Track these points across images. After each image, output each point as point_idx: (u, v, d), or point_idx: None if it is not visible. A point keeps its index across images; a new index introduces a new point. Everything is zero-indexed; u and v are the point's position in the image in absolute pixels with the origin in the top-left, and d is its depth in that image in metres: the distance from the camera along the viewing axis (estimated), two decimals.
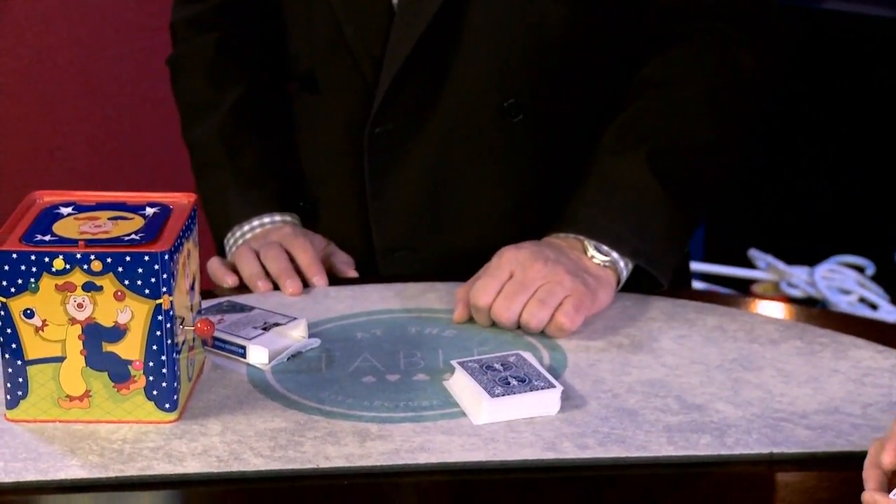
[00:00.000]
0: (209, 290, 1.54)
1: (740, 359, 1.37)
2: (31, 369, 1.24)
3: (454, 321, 1.44)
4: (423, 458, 1.20)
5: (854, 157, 3.14)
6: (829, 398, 1.29)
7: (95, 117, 3.22)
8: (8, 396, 1.25)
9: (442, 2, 1.51)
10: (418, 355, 1.38)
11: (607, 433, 1.23)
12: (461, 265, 1.52)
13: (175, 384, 1.24)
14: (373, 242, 1.64)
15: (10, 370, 1.24)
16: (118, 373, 1.24)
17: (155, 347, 1.23)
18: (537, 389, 1.27)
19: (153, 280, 1.20)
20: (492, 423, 1.25)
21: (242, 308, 1.44)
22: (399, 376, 1.34)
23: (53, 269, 1.20)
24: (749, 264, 3.24)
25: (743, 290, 3.16)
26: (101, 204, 1.30)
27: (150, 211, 1.28)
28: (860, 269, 3.18)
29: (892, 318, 3.07)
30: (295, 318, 1.41)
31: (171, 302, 1.22)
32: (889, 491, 1.06)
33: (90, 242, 1.22)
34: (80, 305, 1.22)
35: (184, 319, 1.26)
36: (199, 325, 1.27)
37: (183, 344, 1.26)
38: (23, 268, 1.21)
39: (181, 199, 1.31)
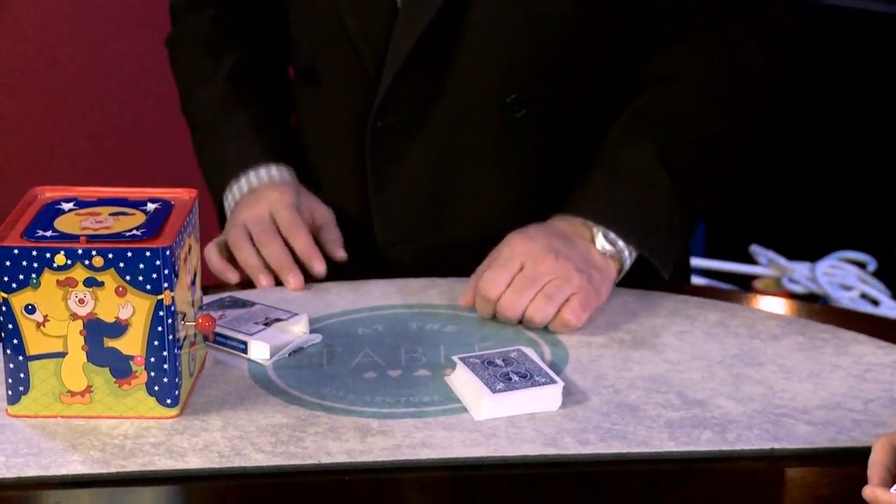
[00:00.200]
0: (210, 285, 1.54)
1: (742, 354, 1.37)
2: (32, 365, 1.24)
3: (461, 304, 1.45)
4: (424, 454, 1.20)
5: (855, 153, 3.14)
6: (830, 394, 1.29)
7: (97, 113, 3.22)
8: (9, 392, 1.25)
9: None
10: (420, 351, 1.38)
11: (608, 429, 1.23)
12: (463, 259, 1.52)
13: (176, 380, 1.24)
14: (374, 235, 1.64)
15: (11, 365, 1.24)
16: (119, 368, 1.24)
17: (156, 343, 1.23)
18: (538, 385, 1.27)
19: (154, 276, 1.20)
20: (493, 418, 1.25)
21: (244, 303, 1.44)
22: (400, 372, 1.34)
23: (55, 265, 1.21)
24: (750, 260, 3.24)
25: (744, 285, 3.16)
26: (102, 199, 1.30)
27: (151, 206, 1.28)
28: (862, 265, 3.18)
29: (894, 313, 3.07)
30: (296, 314, 1.41)
31: (173, 297, 1.22)
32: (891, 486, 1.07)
33: (91, 238, 1.22)
34: (81, 301, 1.22)
35: (185, 315, 1.26)
36: (200, 320, 1.27)
37: (184, 339, 1.26)
38: (24, 263, 1.21)
39: (182, 195, 1.31)
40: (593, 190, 1.51)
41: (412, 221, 1.62)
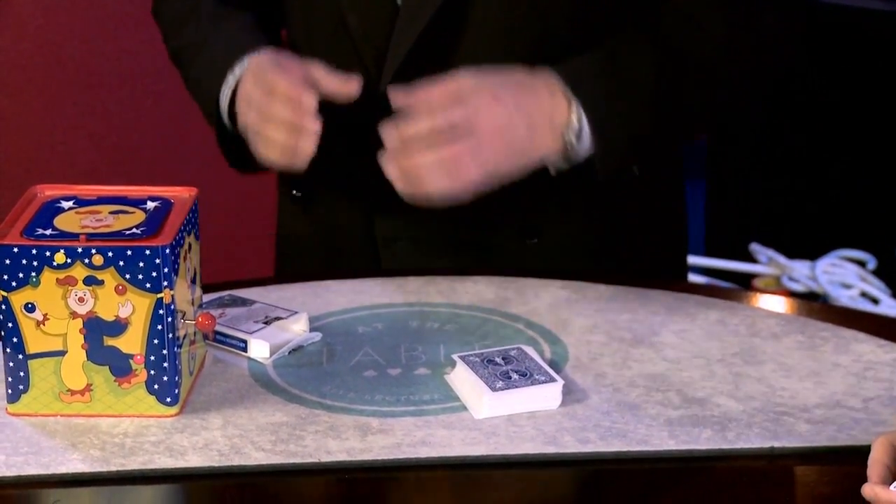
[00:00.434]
0: (210, 283, 1.53)
1: (741, 353, 1.37)
2: (32, 363, 1.24)
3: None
4: (424, 452, 1.20)
5: (855, 151, 3.14)
6: (830, 392, 1.29)
7: (96, 112, 3.22)
8: (9, 390, 1.25)
9: None
10: (419, 349, 1.38)
11: (608, 427, 1.23)
12: (462, 255, 1.52)
13: (176, 378, 1.24)
14: (373, 232, 1.64)
15: (11, 364, 1.24)
16: (119, 367, 1.24)
17: (156, 341, 1.23)
18: (538, 383, 1.27)
19: (154, 274, 1.20)
20: (493, 417, 1.25)
21: (244, 302, 1.44)
22: (400, 370, 1.34)
23: (54, 263, 1.21)
24: (750, 258, 3.24)
25: (744, 284, 3.16)
26: (102, 198, 1.30)
27: (151, 205, 1.28)
28: (861, 264, 3.18)
29: (894, 312, 3.07)
30: (296, 312, 1.41)
31: (173, 296, 1.22)
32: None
33: (91, 236, 1.22)
34: (81, 299, 1.22)
35: (185, 313, 1.26)
36: (200, 319, 1.27)
37: (184, 338, 1.26)
38: (24, 262, 1.21)
39: (182, 193, 1.31)
40: (579, 61, 1.50)
41: (413, 218, 1.62)
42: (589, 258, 1.63)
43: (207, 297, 1.43)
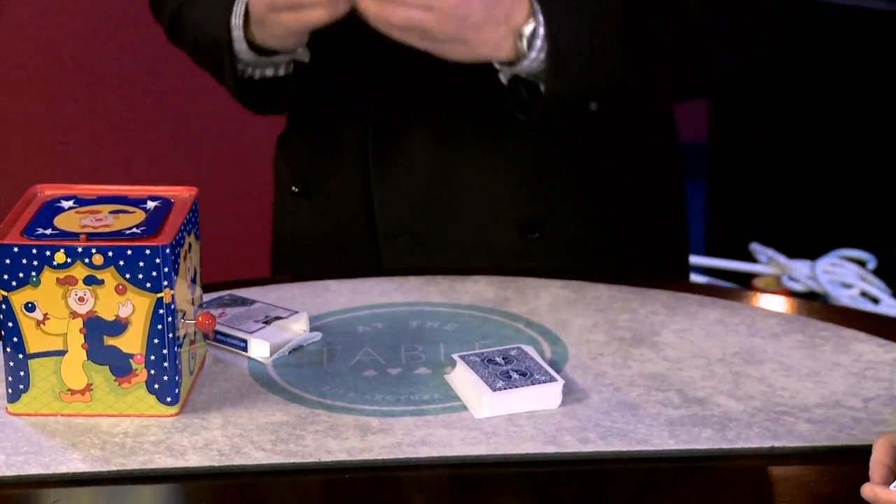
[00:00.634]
0: (210, 283, 1.53)
1: (742, 352, 1.37)
2: (32, 363, 1.24)
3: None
4: (424, 452, 1.20)
5: (855, 151, 3.14)
6: (830, 392, 1.29)
7: (97, 111, 3.22)
8: (9, 390, 1.25)
9: None
10: (420, 349, 1.38)
11: (608, 427, 1.23)
12: (463, 252, 1.52)
13: (176, 378, 1.24)
14: (374, 227, 1.64)
15: (11, 364, 1.24)
16: (119, 366, 1.24)
17: (156, 341, 1.23)
18: (538, 383, 1.27)
19: (154, 274, 1.20)
20: (493, 416, 1.25)
21: (244, 301, 1.44)
22: (400, 370, 1.34)
23: (55, 263, 1.21)
24: (750, 258, 3.24)
25: (744, 283, 3.16)
26: (102, 197, 1.30)
27: (151, 204, 1.28)
28: (862, 263, 3.18)
29: (894, 311, 3.07)
30: (296, 312, 1.41)
31: (173, 296, 1.22)
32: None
33: (91, 236, 1.22)
34: (81, 299, 1.22)
35: (185, 313, 1.26)
36: (200, 318, 1.27)
37: (184, 337, 1.26)
38: (24, 261, 1.21)
39: (182, 193, 1.31)
40: None
41: (413, 213, 1.62)
42: (590, 255, 1.63)
43: (207, 297, 1.43)
